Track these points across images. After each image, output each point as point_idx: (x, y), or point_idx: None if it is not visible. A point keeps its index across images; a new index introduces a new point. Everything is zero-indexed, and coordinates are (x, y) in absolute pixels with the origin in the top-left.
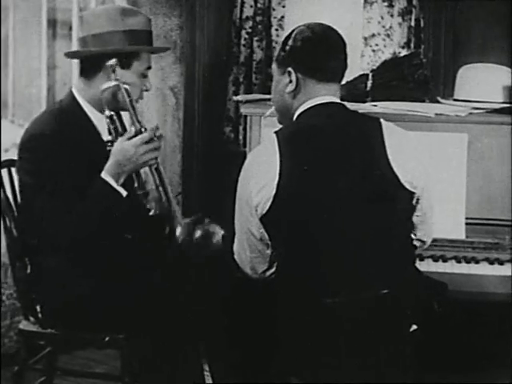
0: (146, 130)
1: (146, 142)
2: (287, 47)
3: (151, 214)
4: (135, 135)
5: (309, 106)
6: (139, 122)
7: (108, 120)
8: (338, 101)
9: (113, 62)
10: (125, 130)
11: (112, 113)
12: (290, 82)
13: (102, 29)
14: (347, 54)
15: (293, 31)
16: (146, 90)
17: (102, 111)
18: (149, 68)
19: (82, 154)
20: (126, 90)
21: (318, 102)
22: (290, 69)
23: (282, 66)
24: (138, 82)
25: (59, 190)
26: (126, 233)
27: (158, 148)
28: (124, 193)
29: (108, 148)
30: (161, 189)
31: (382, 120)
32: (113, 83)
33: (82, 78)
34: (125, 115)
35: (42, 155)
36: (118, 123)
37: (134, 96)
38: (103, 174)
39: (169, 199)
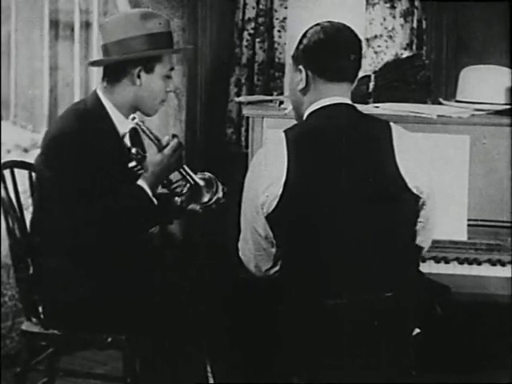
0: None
1: (175, 150)
2: (301, 45)
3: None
4: (164, 147)
5: (318, 106)
6: (158, 139)
7: (133, 155)
8: (349, 102)
9: (138, 69)
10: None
11: (137, 149)
12: (301, 79)
13: (123, 35)
14: (362, 53)
15: (309, 29)
16: (170, 91)
17: (125, 115)
18: (172, 69)
19: (102, 157)
20: (140, 125)
21: (328, 103)
22: (301, 66)
23: (295, 64)
24: (162, 85)
25: (78, 189)
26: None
27: (182, 151)
28: (155, 202)
29: (135, 170)
30: (188, 177)
31: (391, 123)
32: (130, 126)
33: (105, 83)
34: None
35: (65, 155)
36: (141, 153)
37: (160, 97)
38: (141, 182)
39: (195, 181)
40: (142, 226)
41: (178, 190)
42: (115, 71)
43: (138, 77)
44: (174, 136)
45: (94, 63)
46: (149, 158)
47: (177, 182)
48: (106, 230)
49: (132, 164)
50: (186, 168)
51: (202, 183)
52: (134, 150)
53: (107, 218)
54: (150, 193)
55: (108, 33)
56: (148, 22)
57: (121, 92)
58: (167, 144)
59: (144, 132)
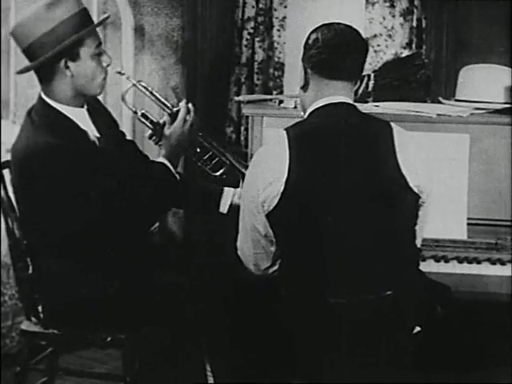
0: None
1: (186, 118)
2: (305, 44)
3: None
4: (175, 118)
5: (319, 105)
6: (168, 106)
7: (142, 118)
8: (350, 101)
9: (62, 62)
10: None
11: (143, 110)
12: (301, 77)
13: (37, 34)
14: (364, 53)
15: (313, 29)
16: (108, 65)
17: (75, 105)
18: (99, 45)
19: (78, 156)
20: (143, 86)
21: (329, 102)
22: (302, 64)
23: (302, 63)
24: (95, 65)
25: (68, 196)
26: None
27: (197, 119)
28: (178, 177)
29: (154, 141)
30: (214, 151)
31: (392, 123)
32: (129, 85)
33: (44, 85)
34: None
35: (51, 169)
36: (150, 116)
37: (98, 76)
38: (161, 159)
39: (224, 154)
40: (166, 204)
41: (216, 167)
42: (44, 71)
43: (67, 68)
44: (186, 102)
45: (21, 72)
46: (165, 132)
47: (213, 159)
48: (113, 224)
49: (148, 133)
50: (210, 140)
51: (231, 156)
52: (149, 132)
53: (141, 199)
54: (171, 168)
55: (22, 37)
56: (55, 10)
57: (59, 88)
58: (173, 116)
59: (147, 117)
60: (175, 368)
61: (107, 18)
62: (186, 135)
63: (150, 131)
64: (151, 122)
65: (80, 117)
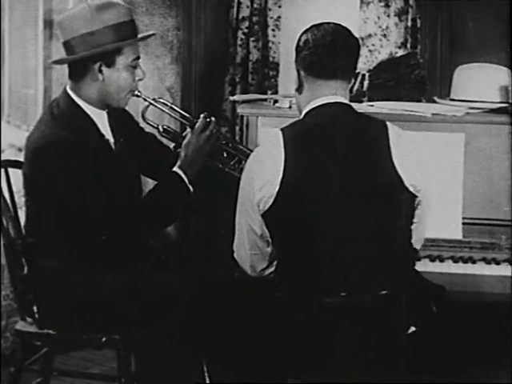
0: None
1: (203, 130)
2: (296, 46)
3: None
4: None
5: (315, 105)
6: (189, 118)
7: (164, 134)
8: (345, 101)
9: (98, 64)
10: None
11: (164, 126)
12: (295, 79)
13: (80, 31)
14: (356, 51)
15: (304, 30)
16: (140, 80)
17: (98, 107)
18: (137, 58)
19: (92, 156)
20: (162, 102)
21: (324, 102)
22: (295, 66)
23: (295, 65)
24: (128, 76)
25: (76, 191)
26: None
27: (217, 130)
28: (191, 189)
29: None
30: (241, 156)
31: (387, 123)
32: (146, 104)
33: (72, 81)
34: None
35: (55, 163)
36: (171, 130)
37: (127, 88)
38: (175, 169)
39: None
40: (177, 215)
41: (235, 165)
42: (77, 69)
43: (100, 72)
44: (206, 117)
45: (56, 62)
46: (183, 142)
47: (231, 157)
48: (115, 228)
49: (172, 146)
50: (235, 144)
51: None
52: (161, 128)
53: (150, 207)
54: (185, 178)
55: (65, 30)
56: (104, 14)
57: (87, 89)
58: (193, 126)
59: (169, 132)
60: (172, 369)
61: (152, 35)
62: (202, 147)
63: (173, 144)
64: (173, 135)
65: (100, 119)
